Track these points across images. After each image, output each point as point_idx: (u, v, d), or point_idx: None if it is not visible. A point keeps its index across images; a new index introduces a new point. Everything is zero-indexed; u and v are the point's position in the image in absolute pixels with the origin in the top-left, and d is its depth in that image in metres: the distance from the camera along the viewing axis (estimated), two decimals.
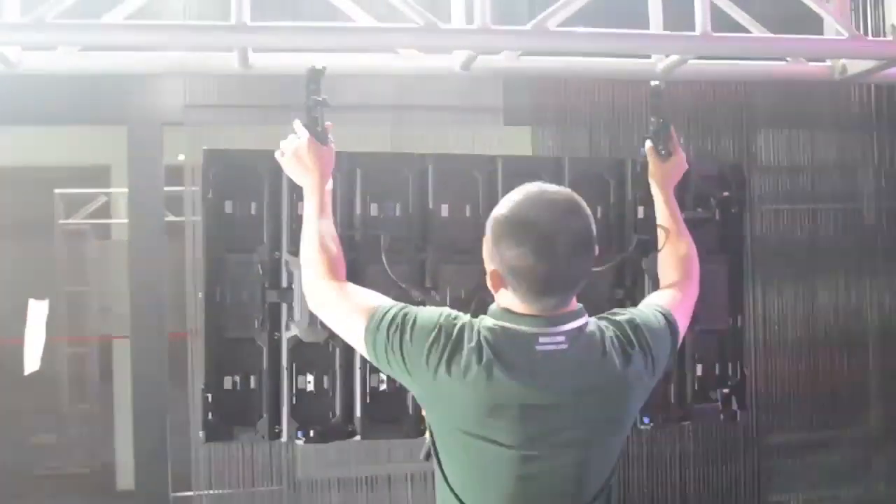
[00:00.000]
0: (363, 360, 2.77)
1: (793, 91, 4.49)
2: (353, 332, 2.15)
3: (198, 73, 3.08)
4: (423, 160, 2.92)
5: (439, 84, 3.55)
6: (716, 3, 3.21)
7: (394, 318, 2.04)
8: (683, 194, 2.96)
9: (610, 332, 2.05)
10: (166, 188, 4.79)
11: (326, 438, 2.77)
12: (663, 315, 2.22)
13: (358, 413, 2.81)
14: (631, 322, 2.10)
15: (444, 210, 2.92)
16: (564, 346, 1.95)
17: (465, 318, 2.01)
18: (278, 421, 2.78)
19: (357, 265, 2.70)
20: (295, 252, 2.73)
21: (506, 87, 4.12)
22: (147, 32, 2.65)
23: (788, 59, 3.47)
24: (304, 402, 2.80)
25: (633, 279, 3.05)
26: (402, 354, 2.01)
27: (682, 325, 2.34)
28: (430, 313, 2.04)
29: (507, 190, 2.83)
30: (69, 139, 6.77)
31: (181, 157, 4.59)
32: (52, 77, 3.28)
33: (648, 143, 2.93)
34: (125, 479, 5.94)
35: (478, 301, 2.73)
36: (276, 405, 2.78)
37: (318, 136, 2.55)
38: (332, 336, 2.59)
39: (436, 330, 1.99)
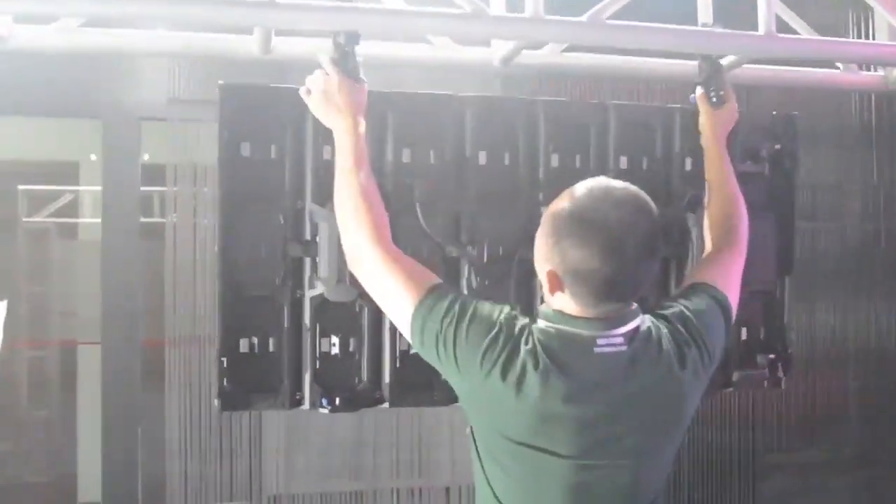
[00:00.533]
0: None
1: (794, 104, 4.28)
2: (398, 310, 2.03)
3: (205, 57, 2.72)
4: (460, 102, 2.64)
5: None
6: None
7: (449, 308, 1.92)
8: (732, 145, 2.73)
9: (664, 330, 1.95)
10: (143, 188, 4.59)
11: (353, 406, 2.52)
12: (714, 298, 2.12)
13: (386, 378, 2.56)
14: (682, 316, 2.00)
15: (482, 157, 2.65)
16: (623, 348, 1.86)
17: (523, 318, 1.92)
18: (300, 387, 2.52)
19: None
20: (321, 202, 2.47)
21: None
22: (162, 3, 2.29)
23: (839, 66, 3.22)
24: (328, 366, 2.54)
25: (680, 237, 2.81)
26: (454, 349, 1.90)
27: (734, 299, 2.19)
28: (489, 309, 1.93)
29: (548, 138, 2.69)
30: (36, 132, 6.41)
31: (146, 157, 4.43)
32: (23, 64, 3.00)
33: (699, 90, 2.71)
34: (88, 490, 5.60)
35: (518, 259, 2.50)
36: (297, 370, 2.52)
37: (350, 71, 2.28)
38: (362, 295, 2.35)
39: (495, 329, 1.88)
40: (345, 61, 2.31)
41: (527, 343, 1.85)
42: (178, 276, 4.54)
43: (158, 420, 4.22)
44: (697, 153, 2.75)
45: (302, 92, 2.34)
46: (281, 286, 2.51)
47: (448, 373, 2.00)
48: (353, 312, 2.55)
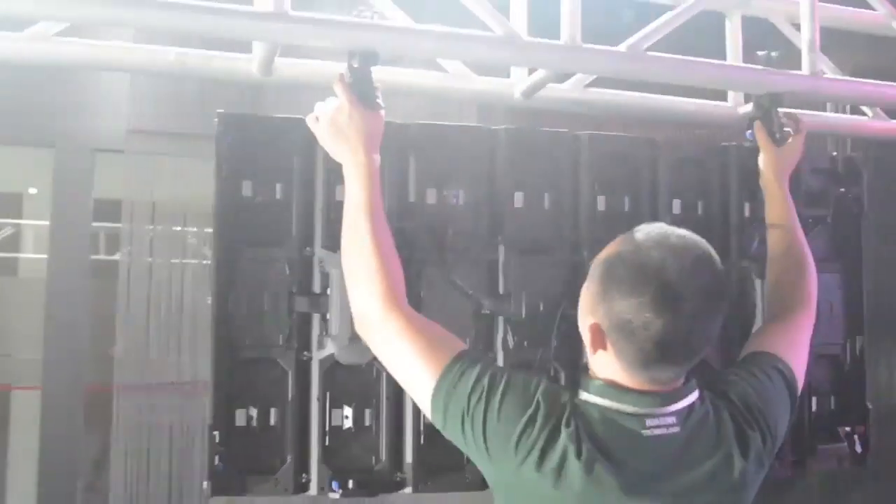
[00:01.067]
0: None
1: None
2: (417, 385, 1.75)
3: (198, 75, 2.37)
4: (493, 135, 2.31)
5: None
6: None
7: (478, 381, 1.65)
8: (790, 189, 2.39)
9: (724, 412, 1.71)
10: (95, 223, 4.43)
11: (369, 490, 2.12)
12: (779, 372, 1.86)
13: (408, 458, 2.17)
14: (743, 394, 1.76)
15: (519, 199, 2.30)
16: (676, 430, 1.62)
17: (563, 391, 1.67)
18: (305, 468, 2.13)
19: (410, 266, 2.09)
20: (332, 248, 2.12)
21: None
22: (159, 9, 1.96)
23: (868, 113, 2.94)
24: (339, 442, 2.15)
25: (742, 293, 2.46)
26: (483, 431, 1.63)
27: (801, 371, 1.92)
28: (524, 382, 1.67)
29: (593, 175, 2.35)
30: None
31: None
32: None
33: (758, 124, 2.38)
34: None
35: (562, 315, 2.15)
36: (303, 447, 2.13)
37: (366, 98, 1.95)
38: None
39: (532, 406, 1.62)
40: (359, 85, 1.98)
41: (568, 424, 1.60)
42: (130, 317, 4.30)
43: (101, 473, 3.91)
44: (756, 196, 2.43)
45: (309, 120, 2.01)
46: (285, 347, 2.14)
47: (476, 457, 1.71)
48: (370, 378, 2.18)
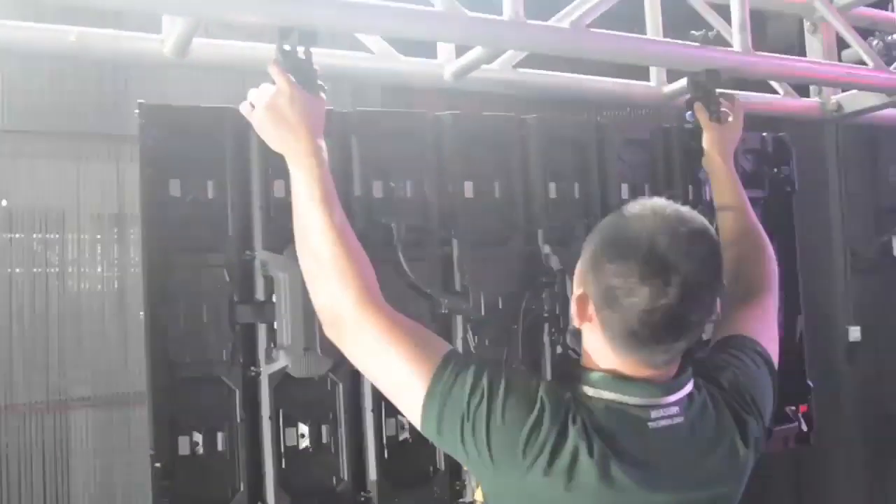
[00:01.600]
0: (376, 397, 1.98)
1: None
2: (403, 391, 1.56)
3: (100, 57, 2.08)
4: (437, 122, 2.15)
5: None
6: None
7: (475, 384, 1.50)
8: None
9: (719, 399, 1.63)
10: None
11: None
12: (759, 355, 1.78)
13: (372, 475, 1.99)
14: (735, 381, 1.68)
15: (469, 189, 2.15)
16: (680, 420, 1.54)
17: (563, 387, 1.53)
18: (261, 495, 1.92)
19: None
20: (276, 248, 1.91)
21: None
22: None
23: (780, 91, 2.99)
24: (296, 463, 1.95)
25: None
26: (486, 436, 1.48)
27: (776, 353, 1.84)
28: (525, 380, 1.54)
29: (544, 160, 2.24)
30: None
31: None
32: None
33: (698, 105, 2.33)
34: None
35: (525, 309, 2.03)
36: (256, 472, 1.92)
37: (306, 80, 1.75)
38: (335, 367, 1.80)
39: (537, 406, 1.48)
40: (297, 67, 1.78)
41: (574, 421, 1.47)
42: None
43: None
44: (697, 179, 2.39)
45: (243, 108, 1.78)
46: (229, 362, 1.91)
47: (476, 465, 1.53)
48: (324, 391, 1.98)
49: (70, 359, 4.13)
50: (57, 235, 4.10)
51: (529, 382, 1.52)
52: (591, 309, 1.49)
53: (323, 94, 1.79)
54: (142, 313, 1.86)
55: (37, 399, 4.04)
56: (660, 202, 1.54)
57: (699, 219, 1.53)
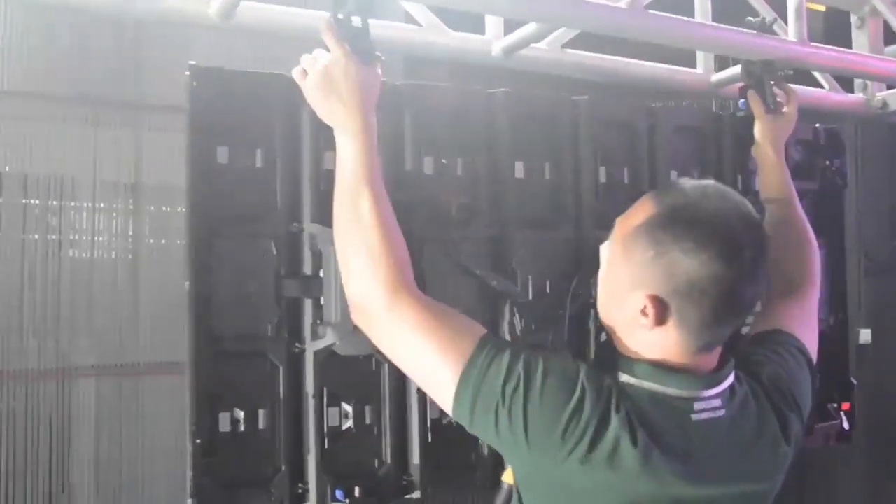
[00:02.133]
0: None
1: None
2: (435, 378, 1.51)
3: (145, 18, 2.02)
4: (491, 99, 2.09)
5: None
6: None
7: (511, 367, 1.45)
8: None
9: (760, 393, 1.59)
10: None
11: (378, 497, 1.87)
12: (800, 351, 1.75)
13: (416, 458, 1.93)
14: (775, 378, 1.64)
15: (519, 170, 2.09)
16: (722, 412, 1.50)
17: (605, 375, 1.48)
18: (302, 476, 1.86)
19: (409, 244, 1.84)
20: (323, 221, 1.85)
21: None
22: None
23: (825, 85, 2.94)
24: (338, 444, 1.89)
25: None
26: (524, 422, 1.43)
27: (814, 349, 1.81)
28: (564, 365, 1.48)
29: (595, 143, 2.18)
30: None
31: None
32: None
33: (751, 93, 2.28)
34: None
35: (573, 295, 1.97)
36: (297, 452, 1.86)
37: (361, 51, 1.68)
38: None
39: (578, 391, 1.43)
40: (353, 36, 1.71)
41: (618, 410, 1.43)
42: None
43: None
44: (746, 167, 2.34)
45: (296, 74, 1.70)
46: (274, 338, 1.85)
47: (511, 452, 1.49)
48: (368, 370, 1.92)
49: (80, 327, 4.05)
50: (73, 203, 4.00)
51: (569, 366, 1.48)
52: (665, 309, 1.43)
53: (379, 69, 1.72)
54: (187, 287, 1.79)
55: (47, 366, 3.98)
56: (696, 183, 1.51)
57: (732, 191, 1.51)
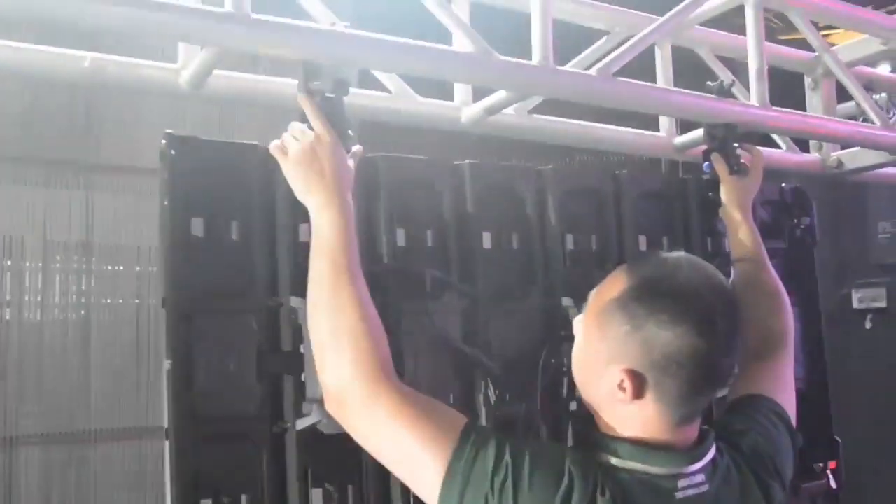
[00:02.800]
0: None
1: None
2: (418, 472, 1.48)
3: (116, 85, 1.99)
4: (457, 170, 2.11)
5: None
6: None
7: (498, 460, 1.43)
8: None
9: (742, 464, 1.60)
10: None
11: None
12: (779, 416, 1.76)
13: None
14: (755, 446, 1.65)
15: (487, 240, 2.10)
16: (706, 488, 1.49)
17: (588, 457, 1.48)
18: None
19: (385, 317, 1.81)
20: (303, 294, 1.81)
21: None
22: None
23: (783, 145, 3.02)
24: None
25: None
26: None
27: (793, 412, 1.83)
28: (550, 452, 1.50)
29: (563, 209, 2.19)
30: None
31: None
32: None
33: (716, 155, 2.32)
34: None
35: (543, 365, 1.97)
36: None
37: (339, 129, 1.67)
38: None
39: (566, 479, 1.42)
40: (331, 114, 1.69)
41: (603, 493, 1.42)
42: None
43: None
44: (715, 230, 2.38)
45: (274, 149, 1.68)
46: (257, 417, 1.79)
47: None
48: (351, 448, 1.87)
49: (28, 393, 3.92)
50: (27, 263, 3.88)
51: (555, 453, 1.48)
52: (642, 383, 1.42)
53: (354, 146, 1.71)
54: (164, 366, 1.73)
55: None
56: (667, 254, 1.53)
57: (703, 262, 1.53)
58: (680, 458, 1.47)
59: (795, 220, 2.58)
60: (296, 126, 1.67)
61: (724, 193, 2.28)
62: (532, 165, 2.27)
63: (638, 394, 1.43)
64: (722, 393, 1.74)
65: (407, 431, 1.45)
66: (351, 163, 1.68)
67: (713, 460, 1.52)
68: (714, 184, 2.31)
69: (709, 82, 2.47)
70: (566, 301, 2.14)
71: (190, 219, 1.81)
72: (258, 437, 1.80)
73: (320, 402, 1.77)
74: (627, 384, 1.42)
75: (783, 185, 2.63)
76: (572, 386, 2.20)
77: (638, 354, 1.42)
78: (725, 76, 2.77)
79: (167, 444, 1.72)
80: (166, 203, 1.79)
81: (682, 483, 1.46)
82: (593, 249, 2.26)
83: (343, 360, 1.50)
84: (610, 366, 1.44)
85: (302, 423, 1.81)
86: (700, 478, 1.47)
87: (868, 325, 5.25)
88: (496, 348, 2.05)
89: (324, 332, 1.54)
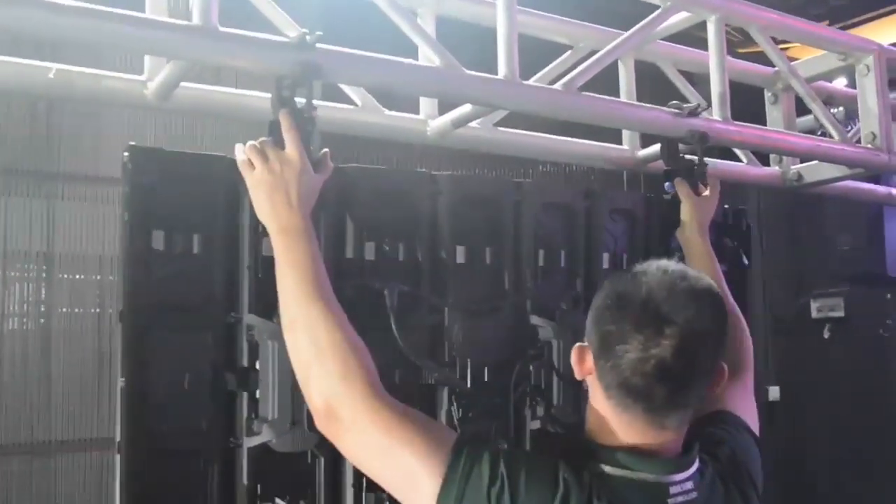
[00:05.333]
0: (357, 472, 1.87)
1: None
2: (412, 486, 1.47)
3: (81, 96, 1.97)
4: (433, 181, 2.10)
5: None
6: None
7: (493, 469, 1.44)
8: None
9: (725, 473, 1.62)
10: None
11: None
12: (748, 431, 1.80)
13: None
14: (732, 456, 1.67)
15: (461, 254, 2.09)
16: (695, 495, 1.52)
17: (579, 465, 1.49)
18: None
19: None
20: (263, 313, 1.81)
21: None
22: (45, 10, 1.55)
23: (744, 159, 3.02)
24: None
25: None
26: None
27: (756, 429, 1.85)
28: (543, 463, 1.49)
29: (535, 226, 2.20)
30: None
31: None
32: None
33: (678, 178, 2.33)
34: None
35: (514, 383, 1.97)
36: None
37: (312, 159, 1.66)
38: (320, 443, 1.70)
39: (561, 489, 1.44)
40: (306, 132, 1.68)
41: (599, 500, 1.44)
42: None
43: None
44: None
45: (242, 165, 1.66)
46: (208, 433, 1.78)
47: None
48: (304, 465, 1.87)
49: None
50: None
51: (548, 463, 1.48)
52: (588, 360, 1.48)
53: (323, 166, 1.70)
54: (120, 381, 1.72)
55: None
56: (667, 262, 1.54)
57: (705, 279, 1.54)
58: (669, 464, 1.50)
59: (735, 243, 2.59)
60: (267, 143, 1.65)
61: (685, 213, 2.29)
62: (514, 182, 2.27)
63: (581, 367, 1.50)
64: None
65: (401, 446, 1.45)
66: (319, 183, 1.68)
67: (700, 470, 1.54)
68: (675, 203, 2.33)
69: (677, 107, 2.47)
70: (535, 319, 2.16)
71: (150, 231, 1.79)
72: (209, 452, 1.78)
73: (272, 423, 1.77)
74: (574, 356, 1.50)
75: (726, 206, 2.63)
76: (535, 402, 2.23)
77: (591, 334, 1.48)
78: (688, 91, 2.79)
79: (118, 457, 1.70)
80: (126, 216, 1.77)
81: (673, 490, 1.48)
82: (562, 266, 2.27)
83: (331, 376, 1.49)
84: (595, 382, 1.50)
85: (250, 442, 1.79)
86: (689, 485, 1.50)
87: (826, 335, 5.31)
88: (462, 365, 2.05)
89: (304, 351, 1.53)
